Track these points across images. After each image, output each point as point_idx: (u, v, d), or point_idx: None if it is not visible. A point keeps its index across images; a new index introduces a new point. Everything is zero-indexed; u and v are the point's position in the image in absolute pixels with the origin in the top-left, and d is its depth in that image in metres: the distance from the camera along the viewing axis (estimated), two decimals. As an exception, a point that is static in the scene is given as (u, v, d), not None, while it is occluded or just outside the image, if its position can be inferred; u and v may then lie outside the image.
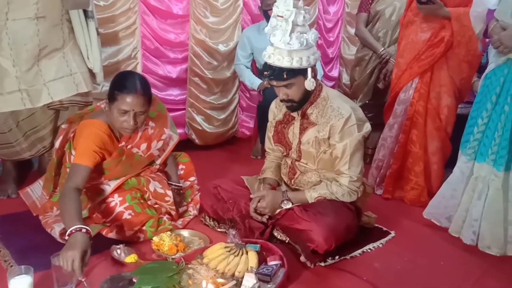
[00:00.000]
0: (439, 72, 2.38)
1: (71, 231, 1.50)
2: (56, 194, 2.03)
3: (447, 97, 2.40)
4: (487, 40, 2.08)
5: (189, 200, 2.22)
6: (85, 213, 1.84)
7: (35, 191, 2.22)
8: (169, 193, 2.02)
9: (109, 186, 1.93)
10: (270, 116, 2.07)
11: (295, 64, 1.72)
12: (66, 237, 1.50)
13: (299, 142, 1.90)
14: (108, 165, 1.89)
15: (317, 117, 1.86)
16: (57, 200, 1.98)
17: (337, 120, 1.79)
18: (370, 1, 3.10)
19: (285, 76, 1.73)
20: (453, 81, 2.38)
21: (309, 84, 1.76)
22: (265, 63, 1.78)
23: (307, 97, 1.85)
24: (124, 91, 1.75)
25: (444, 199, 2.13)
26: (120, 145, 1.91)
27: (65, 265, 1.40)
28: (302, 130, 1.89)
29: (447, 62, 2.36)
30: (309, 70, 1.75)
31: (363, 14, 3.12)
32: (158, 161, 2.11)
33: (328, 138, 1.83)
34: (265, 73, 1.78)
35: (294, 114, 1.92)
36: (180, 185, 2.17)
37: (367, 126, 1.86)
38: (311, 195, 1.86)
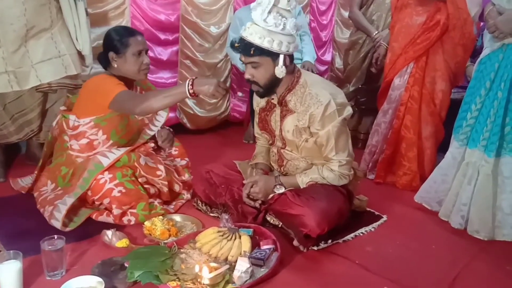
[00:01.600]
0: (434, 56, 2.37)
1: (188, 84, 1.67)
2: (48, 167, 2.06)
3: (442, 82, 2.40)
4: (481, 23, 2.06)
5: (189, 176, 2.20)
6: (84, 186, 1.83)
7: (25, 181, 2.19)
8: (161, 167, 2.00)
9: (107, 158, 1.88)
10: (254, 103, 2.04)
11: (265, 44, 1.67)
12: (191, 90, 1.67)
13: (281, 130, 1.88)
14: (109, 116, 1.92)
15: (296, 105, 1.82)
16: (53, 166, 2.01)
17: (316, 108, 1.76)
18: (365, -17, 3.06)
19: (251, 52, 1.69)
20: (448, 65, 2.37)
21: (279, 71, 1.71)
22: (239, 37, 1.74)
23: (275, 84, 1.79)
24: (132, 35, 1.95)
25: (436, 184, 2.14)
26: None
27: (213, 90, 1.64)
28: (282, 117, 1.87)
29: (442, 46, 2.35)
30: (281, 56, 1.70)
31: (358, -3, 3.07)
32: (152, 133, 2.11)
33: (309, 127, 1.81)
34: (236, 44, 1.74)
35: (274, 101, 1.88)
36: (171, 130, 2.21)
37: (348, 109, 1.83)
38: (303, 180, 1.85)
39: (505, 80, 1.84)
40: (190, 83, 1.67)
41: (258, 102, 1.99)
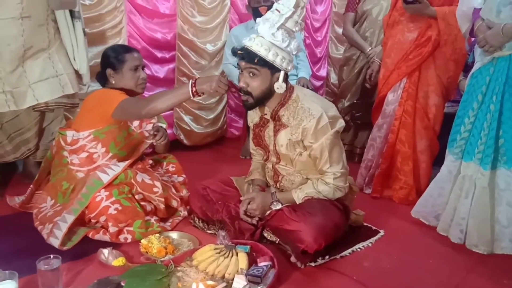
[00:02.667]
0: (427, 71, 2.40)
1: (191, 84, 1.71)
2: (51, 180, 2.07)
3: (435, 96, 2.43)
4: (472, 39, 2.09)
5: (187, 193, 2.19)
6: (83, 203, 1.83)
7: (21, 199, 2.19)
8: (157, 184, 2.00)
9: (107, 175, 1.89)
10: (248, 120, 2.06)
11: (270, 57, 1.71)
12: (194, 89, 1.71)
13: (275, 144, 1.90)
14: (108, 128, 1.96)
15: (289, 119, 1.84)
16: (54, 182, 2.01)
17: (309, 121, 1.78)
18: (357, 1, 3.11)
19: (255, 61, 1.71)
20: (441, 80, 2.40)
21: (278, 86, 1.74)
22: (242, 46, 1.76)
23: (267, 98, 1.81)
24: (128, 51, 2.04)
25: (432, 198, 2.15)
26: None
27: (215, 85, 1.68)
28: (275, 132, 1.88)
29: (434, 61, 2.38)
30: (282, 73, 1.74)
31: (351, 14, 3.13)
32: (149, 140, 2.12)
33: (302, 140, 1.82)
34: (239, 51, 1.76)
35: (267, 116, 1.90)
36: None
37: (341, 122, 1.85)
38: (298, 196, 1.86)
39: (496, 93, 1.86)
40: (193, 82, 1.71)
41: (252, 119, 2.01)
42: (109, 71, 2.01)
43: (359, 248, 1.92)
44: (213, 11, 3.28)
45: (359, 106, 3.16)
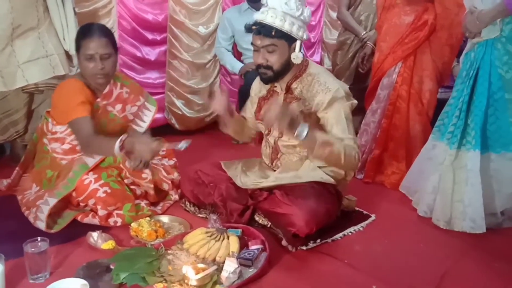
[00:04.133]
0: (422, 56, 2.38)
1: (119, 147, 1.64)
2: (35, 167, 2.02)
3: (429, 81, 2.41)
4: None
5: (178, 176, 2.16)
6: (69, 186, 1.81)
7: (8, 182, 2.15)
8: (146, 170, 1.97)
9: (92, 159, 1.87)
10: (252, 92, 2.04)
11: (287, 27, 1.70)
12: (121, 151, 1.65)
13: None
14: None
15: (302, 92, 1.83)
16: (38, 169, 1.96)
17: (325, 94, 1.77)
18: (352, -16, 3.07)
19: (273, 33, 1.70)
20: (436, 65, 2.39)
21: (296, 56, 1.73)
22: (255, 21, 1.74)
23: (286, 71, 1.81)
24: (86, 36, 1.83)
25: (413, 174, 2.25)
26: (96, 100, 1.91)
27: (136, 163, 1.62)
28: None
29: (430, 46, 2.36)
30: (298, 42, 1.73)
31: (346, -3, 3.08)
32: (141, 130, 2.08)
33: (315, 112, 1.80)
34: (254, 27, 1.74)
35: (278, 89, 1.88)
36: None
37: (354, 100, 1.86)
38: (320, 135, 1.67)
39: (470, 77, 1.91)
40: (120, 144, 1.65)
41: (258, 91, 1.98)
42: (76, 53, 1.89)
43: (350, 232, 1.92)
44: (206, -8, 3.22)
45: (352, 91, 3.11)
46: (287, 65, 1.80)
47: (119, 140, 1.65)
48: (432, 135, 2.15)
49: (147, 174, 1.96)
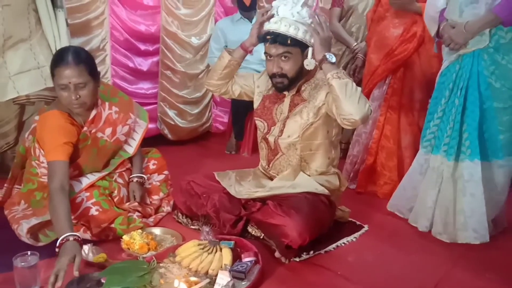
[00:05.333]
0: (412, 67, 2.41)
1: (60, 241, 1.50)
2: (22, 187, 1.96)
3: (419, 92, 2.44)
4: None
5: (166, 192, 2.16)
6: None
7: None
8: (135, 203, 1.99)
9: (80, 183, 1.85)
10: (256, 83, 2.01)
11: (300, 35, 1.74)
12: (57, 249, 1.50)
13: (286, 117, 1.89)
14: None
15: (310, 93, 1.87)
16: (25, 191, 1.91)
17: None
18: (343, -4, 3.11)
19: (289, 41, 1.73)
20: (425, 76, 2.42)
21: (309, 63, 1.76)
22: (268, 31, 1.77)
23: (299, 78, 1.85)
24: (58, 65, 1.72)
25: (405, 191, 2.21)
26: (83, 130, 1.84)
27: (52, 277, 1.38)
28: (292, 106, 1.89)
29: (419, 58, 2.39)
30: (310, 49, 1.75)
31: (337, 9, 3.12)
32: (131, 151, 2.05)
33: (320, 106, 1.81)
34: (268, 36, 1.77)
35: (285, 91, 1.90)
36: (143, 176, 2.10)
37: None
38: (336, 73, 1.65)
39: (461, 88, 1.94)
40: (58, 244, 1.52)
41: (264, 88, 1.99)
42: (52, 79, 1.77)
43: (343, 243, 1.92)
44: (198, 3, 3.24)
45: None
46: (301, 72, 1.83)
47: (60, 238, 1.51)
48: (423, 149, 2.13)
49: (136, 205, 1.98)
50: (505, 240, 2.02)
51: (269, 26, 1.78)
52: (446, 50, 2.02)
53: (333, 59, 1.68)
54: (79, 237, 1.53)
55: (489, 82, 1.88)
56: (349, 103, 1.62)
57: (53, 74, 1.74)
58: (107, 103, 1.93)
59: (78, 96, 1.73)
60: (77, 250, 1.48)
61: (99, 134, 1.90)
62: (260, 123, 1.99)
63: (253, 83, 2.03)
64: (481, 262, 1.83)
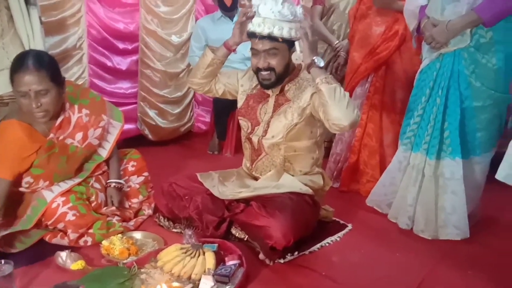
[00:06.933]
0: (394, 65, 2.42)
1: None
2: None
3: (401, 91, 2.44)
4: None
5: (146, 195, 2.11)
6: (27, 225, 1.69)
7: None
8: (113, 209, 1.94)
9: (51, 192, 1.77)
10: (241, 80, 1.99)
11: (285, 34, 1.72)
12: None
13: (271, 117, 1.87)
14: (38, 162, 1.73)
15: (294, 93, 1.85)
16: None
17: (312, 87, 1.76)
18: (325, -6, 3.11)
19: (280, 40, 1.72)
20: (407, 74, 2.42)
21: (297, 57, 1.75)
22: (253, 33, 1.75)
23: (286, 74, 1.83)
24: (17, 71, 1.62)
25: (384, 187, 2.24)
26: (48, 137, 1.74)
27: None
28: (277, 106, 1.88)
29: (400, 56, 2.40)
30: (297, 43, 1.74)
31: (318, 7, 3.11)
32: (104, 153, 1.97)
33: (304, 107, 1.80)
34: (256, 40, 1.75)
35: (269, 91, 1.88)
36: (121, 181, 2.03)
37: None
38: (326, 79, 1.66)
39: (442, 87, 1.95)
40: None
41: (248, 87, 1.97)
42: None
43: (327, 243, 1.91)
44: (178, 1, 3.18)
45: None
46: (288, 68, 1.82)
47: None
48: (402, 146, 2.14)
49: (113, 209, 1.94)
50: (484, 234, 2.05)
51: (253, 28, 1.75)
52: (427, 48, 2.03)
53: (322, 63, 1.68)
54: None
55: (469, 81, 1.91)
56: (337, 108, 1.63)
57: (12, 80, 1.63)
58: (76, 106, 1.82)
59: (39, 104, 1.62)
60: None
61: (68, 141, 1.80)
62: (244, 123, 1.97)
63: (237, 82, 2.00)
64: (464, 258, 1.85)
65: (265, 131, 1.89)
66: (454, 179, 1.95)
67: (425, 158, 1.99)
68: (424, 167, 2.00)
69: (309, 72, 1.72)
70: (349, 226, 2.08)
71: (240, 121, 2.00)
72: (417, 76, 2.11)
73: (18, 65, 1.63)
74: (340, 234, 2.00)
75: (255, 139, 1.93)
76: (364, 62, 2.45)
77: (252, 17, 1.77)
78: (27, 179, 1.75)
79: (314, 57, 1.68)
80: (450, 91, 1.94)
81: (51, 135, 1.75)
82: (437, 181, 1.99)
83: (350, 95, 2.53)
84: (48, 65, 1.68)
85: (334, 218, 2.12)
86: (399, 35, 2.34)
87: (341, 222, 2.11)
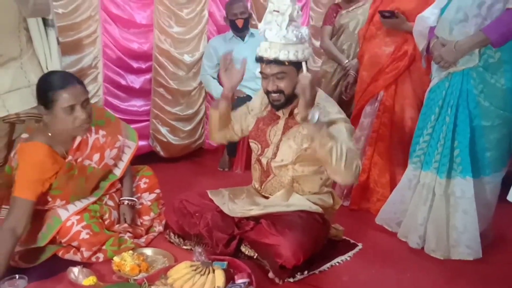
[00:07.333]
0: (403, 85, 2.43)
1: None
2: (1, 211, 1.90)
3: (411, 109, 2.45)
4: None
5: (158, 212, 2.14)
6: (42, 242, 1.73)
7: None
8: (126, 226, 1.97)
9: (67, 211, 1.80)
10: (249, 107, 2.05)
11: (292, 57, 1.75)
12: None
13: (280, 140, 1.89)
14: (57, 184, 1.77)
15: None
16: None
17: (324, 117, 1.70)
18: (335, 15, 3.16)
19: (286, 63, 1.75)
20: (416, 93, 2.44)
21: (305, 76, 1.76)
22: (260, 57, 1.79)
23: (295, 95, 1.83)
24: (61, 87, 1.66)
25: (394, 205, 2.23)
26: (67, 160, 1.78)
27: None
28: (286, 129, 1.89)
29: (410, 75, 2.42)
30: (304, 64, 1.77)
31: (328, 27, 3.17)
32: (118, 172, 2.01)
33: None
34: (264, 65, 1.79)
35: (280, 113, 1.90)
36: (134, 199, 2.06)
37: (352, 126, 1.86)
38: (329, 130, 1.67)
39: (451, 106, 1.96)
40: None
41: (259, 111, 2.00)
42: (40, 108, 1.70)
43: (337, 262, 1.90)
44: (191, 22, 3.26)
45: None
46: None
47: None
48: (412, 165, 2.13)
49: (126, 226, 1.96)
50: (496, 254, 2.03)
51: (260, 53, 1.79)
52: (436, 67, 2.05)
53: (315, 118, 1.60)
54: None
55: (478, 101, 1.91)
56: (335, 171, 1.66)
57: (53, 101, 1.66)
58: (93, 128, 1.86)
59: (87, 114, 1.70)
60: None
61: (86, 162, 1.84)
62: (254, 145, 1.99)
63: (248, 114, 2.05)
64: (476, 279, 1.83)
65: (275, 154, 1.90)
66: (465, 198, 1.93)
67: (436, 176, 1.98)
68: (435, 186, 1.99)
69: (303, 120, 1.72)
70: (360, 246, 2.06)
71: (250, 144, 2.02)
72: (427, 95, 2.13)
73: (57, 83, 1.67)
74: (351, 253, 1.99)
75: (264, 161, 1.95)
76: (373, 81, 2.47)
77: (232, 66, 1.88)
78: (44, 198, 1.79)
79: (309, 113, 1.63)
80: (459, 110, 1.94)
81: (69, 157, 1.78)
82: (448, 200, 1.98)
83: (359, 114, 2.57)
84: (78, 78, 1.80)
85: (344, 237, 2.11)
86: (408, 55, 2.36)
87: (352, 241, 2.10)
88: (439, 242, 1.99)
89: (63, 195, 1.82)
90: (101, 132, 1.88)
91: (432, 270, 1.89)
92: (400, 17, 2.33)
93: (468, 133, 1.93)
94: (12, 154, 1.96)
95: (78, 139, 1.81)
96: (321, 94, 1.90)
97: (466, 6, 1.88)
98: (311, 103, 1.68)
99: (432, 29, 2.05)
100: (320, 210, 1.85)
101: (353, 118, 2.66)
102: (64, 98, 1.65)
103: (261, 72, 1.84)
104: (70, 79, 1.71)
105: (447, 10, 1.97)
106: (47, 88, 1.68)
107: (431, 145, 2.03)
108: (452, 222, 1.97)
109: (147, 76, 3.15)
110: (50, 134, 1.75)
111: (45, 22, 2.18)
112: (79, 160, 1.82)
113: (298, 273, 1.74)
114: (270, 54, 1.76)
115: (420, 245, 2.05)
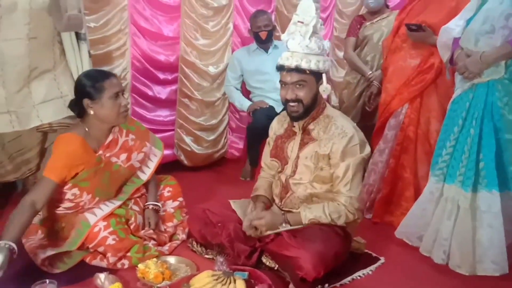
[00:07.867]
0: (429, 97, 2.41)
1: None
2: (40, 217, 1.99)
3: (436, 122, 2.41)
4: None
5: (181, 219, 2.18)
6: (72, 246, 1.80)
7: None
8: (151, 232, 2.02)
9: (95, 216, 1.88)
10: (270, 132, 2.09)
11: (313, 67, 1.79)
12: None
13: (297, 157, 1.91)
14: (86, 174, 1.87)
15: (319, 133, 1.88)
16: (41, 224, 1.94)
17: (341, 138, 1.82)
18: (359, 26, 3.15)
19: (307, 71, 1.80)
20: (442, 106, 2.40)
21: (326, 89, 1.81)
22: (281, 66, 1.84)
23: (314, 106, 1.88)
24: (106, 78, 1.87)
25: (415, 219, 2.19)
26: (97, 153, 1.90)
27: None
28: (302, 145, 1.91)
29: (436, 88, 2.38)
30: (324, 76, 1.81)
31: (352, 38, 3.17)
32: (144, 177, 2.09)
33: (329, 156, 1.84)
34: (284, 73, 1.83)
35: (296, 129, 1.92)
36: (158, 204, 2.13)
37: (368, 149, 1.90)
38: (306, 215, 1.84)
39: (476, 118, 1.93)
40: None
41: (276, 130, 2.05)
42: (86, 101, 1.84)
43: (359, 276, 1.89)
44: (216, 34, 3.32)
45: (359, 129, 3.16)
46: (315, 100, 1.87)
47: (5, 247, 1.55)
48: (434, 177, 2.10)
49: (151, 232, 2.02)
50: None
51: (282, 62, 1.83)
52: (460, 78, 2.02)
53: (287, 228, 1.85)
54: (14, 248, 1.56)
55: (502, 113, 1.88)
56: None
57: (101, 90, 1.83)
58: (124, 130, 2.00)
59: (126, 101, 1.90)
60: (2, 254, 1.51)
61: (114, 159, 1.96)
62: (275, 163, 2.02)
63: (272, 142, 2.08)
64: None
65: (294, 172, 1.93)
66: (490, 212, 1.89)
67: (461, 190, 1.95)
68: (459, 199, 1.95)
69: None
70: (382, 260, 2.04)
71: (271, 162, 2.05)
72: (449, 107, 2.10)
73: (101, 75, 1.89)
74: (372, 267, 1.97)
75: (283, 178, 1.97)
76: (398, 93, 2.45)
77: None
78: (73, 190, 1.89)
79: (280, 228, 1.85)
80: (484, 122, 1.91)
81: (100, 152, 1.91)
82: (474, 214, 1.93)
83: (383, 126, 2.55)
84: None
85: (366, 250, 2.10)
86: (434, 68, 2.33)
87: (374, 254, 2.08)
88: (464, 257, 1.95)
89: (89, 188, 1.91)
90: (131, 136, 2.02)
91: (458, 286, 1.85)
92: (427, 30, 2.31)
93: (493, 145, 1.89)
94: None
95: (110, 137, 1.93)
96: (336, 113, 1.94)
97: (493, 18, 1.87)
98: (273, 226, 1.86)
99: (456, 40, 2.03)
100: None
101: (377, 130, 2.64)
102: (111, 85, 1.85)
103: (280, 81, 1.87)
104: (107, 72, 1.95)
105: (473, 21, 1.96)
106: (93, 80, 1.86)
107: (455, 158, 2.00)
108: (477, 237, 1.93)
109: (173, 87, 3.22)
110: (87, 129, 1.90)
111: (78, 36, 2.28)
112: (107, 155, 1.93)
113: (319, 286, 1.74)
114: (291, 62, 1.79)
115: (445, 261, 2.01)
